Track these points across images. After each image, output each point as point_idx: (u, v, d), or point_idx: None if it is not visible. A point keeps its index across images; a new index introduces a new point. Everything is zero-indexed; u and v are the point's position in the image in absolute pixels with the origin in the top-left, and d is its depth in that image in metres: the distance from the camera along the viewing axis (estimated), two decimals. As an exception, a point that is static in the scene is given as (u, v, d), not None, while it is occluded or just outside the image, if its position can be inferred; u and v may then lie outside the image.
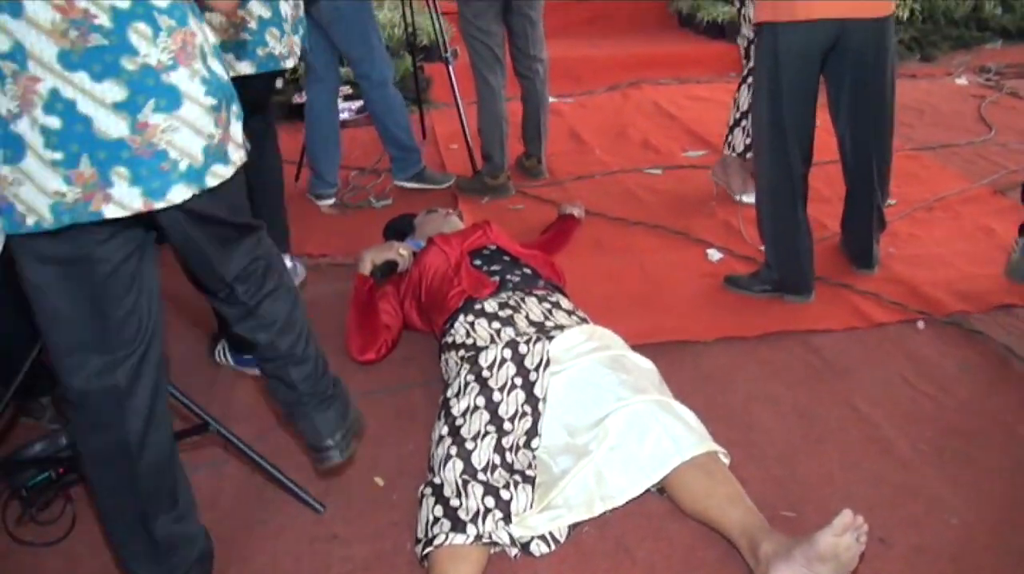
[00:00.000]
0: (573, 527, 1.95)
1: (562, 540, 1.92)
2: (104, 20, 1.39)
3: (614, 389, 2.07)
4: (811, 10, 2.56)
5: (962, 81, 5.50)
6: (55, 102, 1.38)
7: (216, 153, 1.53)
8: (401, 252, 2.79)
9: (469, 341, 2.32)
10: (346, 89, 5.01)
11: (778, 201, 2.80)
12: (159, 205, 1.47)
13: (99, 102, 1.40)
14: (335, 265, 3.31)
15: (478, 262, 2.63)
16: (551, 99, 5.07)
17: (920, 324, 2.74)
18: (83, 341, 1.55)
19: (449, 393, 2.15)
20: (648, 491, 1.98)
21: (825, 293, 2.91)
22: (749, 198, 3.71)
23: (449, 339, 2.39)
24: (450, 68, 4.23)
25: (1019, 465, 2.12)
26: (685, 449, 1.93)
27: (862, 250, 3.03)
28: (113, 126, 1.41)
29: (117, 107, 1.41)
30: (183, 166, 1.48)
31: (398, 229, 3.17)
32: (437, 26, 4.33)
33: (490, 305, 2.39)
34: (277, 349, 1.83)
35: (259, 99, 2.53)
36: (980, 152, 4.19)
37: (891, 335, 2.69)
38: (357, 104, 5.05)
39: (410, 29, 4.52)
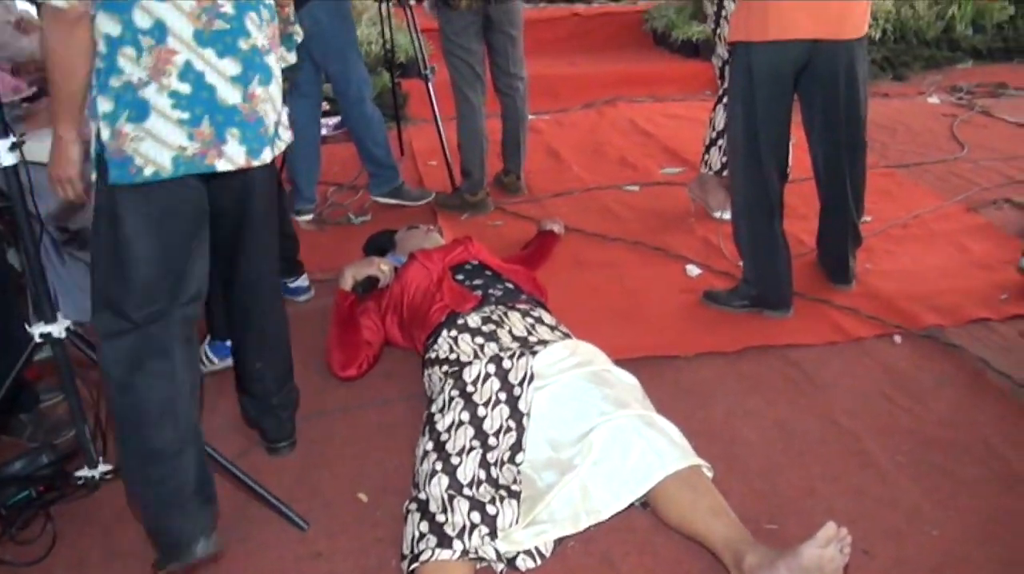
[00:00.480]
0: (558, 542, 1.97)
1: (548, 555, 1.94)
2: (228, 8, 1.78)
3: (597, 404, 2.09)
4: (783, 31, 2.62)
5: (934, 100, 5.61)
6: (188, 72, 1.73)
7: (280, 126, 1.95)
8: (382, 268, 2.80)
9: (452, 356, 2.33)
10: (324, 105, 5.02)
11: (755, 217, 2.84)
12: (256, 162, 1.86)
13: (221, 74, 1.77)
14: (314, 281, 3.31)
15: (460, 277, 2.65)
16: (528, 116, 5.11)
17: (897, 338, 2.79)
18: (158, 282, 1.81)
19: (433, 408, 2.16)
20: (632, 505, 2.00)
21: (803, 308, 2.95)
22: (727, 215, 3.76)
23: (432, 354, 2.40)
24: (429, 85, 4.26)
25: (996, 477, 2.16)
26: (669, 463, 1.96)
27: (838, 265, 3.08)
28: (230, 95, 1.79)
29: (234, 80, 1.79)
30: (269, 132, 1.88)
31: (379, 245, 3.18)
32: (417, 43, 4.36)
33: (473, 320, 2.41)
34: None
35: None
36: (953, 170, 4.27)
37: (869, 349, 2.74)
38: (335, 120, 5.07)
39: (388, 46, 4.54)
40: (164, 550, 1.87)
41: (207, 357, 2.76)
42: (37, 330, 1.96)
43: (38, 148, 2.72)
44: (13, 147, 1.86)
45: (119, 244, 1.78)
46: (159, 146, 1.73)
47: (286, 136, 1.99)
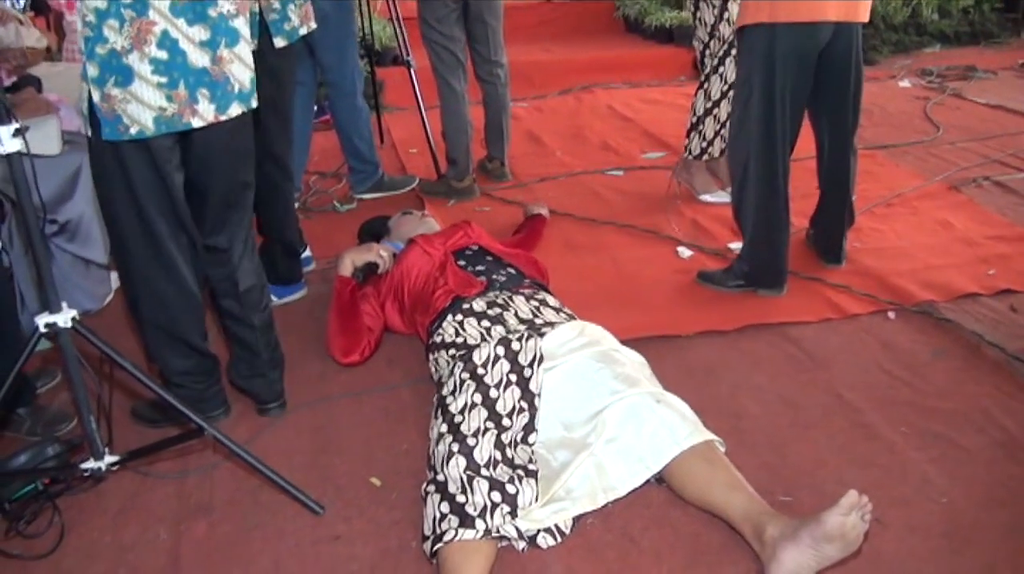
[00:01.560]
0: (577, 519, 1.98)
1: (567, 532, 1.95)
2: None
3: (608, 383, 2.10)
4: (813, 12, 2.63)
5: (905, 84, 5.70)
6: (165, 40, 1.93)
7: (249, 85, 2.12)
8: (381, 254, 2.79)
9: (459, 340, 2.33)
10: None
11: (764, 200, 2.85)
12: (223, 117, 2.07)
13: (191, 40, 1.97)
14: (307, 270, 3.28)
15: (462, 262, 2.64)
16: (508, 103, 5.10)
17: (891, 314, 2.84)
18: (166, 209, 2.13)
19: (445, 391, 2.16)
20: (648, 482, 2.02)
21: (797, 287, 2.99)
22: (712, 197, 3.80)
23: (438, 339, 2.40)
24: (412, 72, 4.24)
25: (998, 445, 2.22)
26: (682, 439, 1.98)
27: (832, 245, 3.13)
28: (200, 58, 1.99)
29: (202, 44, 1.99)
30: (238, 89, 2.09)
31: (373, 231, 3.17)
32: (399, 31, 4.34)
33: (478, 304, 2.41)
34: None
35: (287, 70, 2.81)
36: (930, 151, 4.36)
37: (864, 325, 2.79)
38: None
39: (367, 33, 4.51)
40: None
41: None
42: (42, 320, 1.92)
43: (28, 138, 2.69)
44: (16, 133, 1.82)
45: (129, 186, 2.05)
46: (142, 108, 1.96)
47: (253, 98, 2.17)
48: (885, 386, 2.47)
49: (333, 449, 2.31)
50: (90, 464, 2.05)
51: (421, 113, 4.23)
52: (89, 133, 2.02)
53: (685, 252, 3.34)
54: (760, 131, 2.77)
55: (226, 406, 2.45)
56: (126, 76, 1.93)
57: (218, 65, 2.03)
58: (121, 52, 1.91)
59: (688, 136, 3.80)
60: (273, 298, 3.02)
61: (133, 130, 1.97)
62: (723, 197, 3.73)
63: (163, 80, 1.95)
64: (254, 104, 2.16)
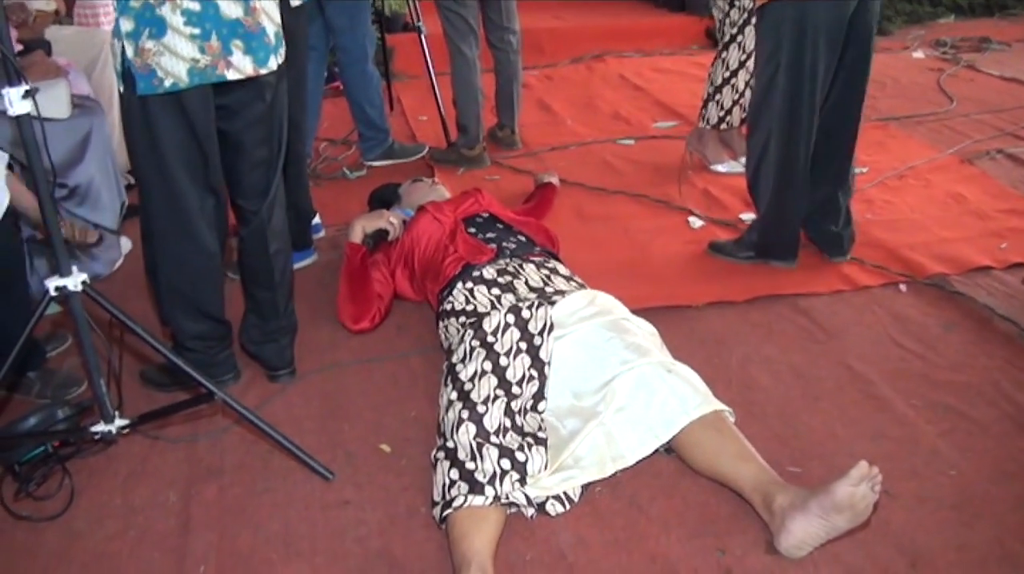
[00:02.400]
0: (586, 487, 1.97)
1: (576, 500, 1.95)
2: None
3: (619, 352, 2.09)
4: None
5: (919, 55, 5.62)
6: None
7: (279, 39, 2.13)
8: (392, 220, 2.77)
9: (469, 307, 2.32)
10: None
11: (785, 173, 2.77)
12: (263, 71, 2.08)
13: None
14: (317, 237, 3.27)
15: (472, 230, 2.62)
16: (518, 70, 5.04)
17: (902, 286, 2.82)
18: (195, 169, 2.12)
19: (454, 358, 2.14)
20: (657, 451, 2.01)
21: (808, 259, 2.96)
22: (724, 167, 3.76)
23: (447, 306, 2.39)
24: (423, 38, 4.19)
25: (1008, 417, 2.20)
26: (692, 409, 1.96)
27: (833, 237, 3.00)
28: (232, 9, 1.99)
29: None
30: (272, 42, 2.09)
31: (383, 198, 3.15)
32: (411, -4, 4.29)
33: (489, 272, 2.39)
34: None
35: (301, 31, 2.82)
36: (944, 123, 4.30)
37: (876, 297, 2.76)
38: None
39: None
40: None
41: None
42: (52, 283, 1.91)
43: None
44: (26, 95, 1.80)
45: (154, 145, 2.05)
46: (176, 59, 1.96)
47: (283, 50, 2.17)
48: (896, 358, 2.45)
49: (343, 415, 2.30)
50: (100, 427, 2.04)
51: (432, 80, 4.19)
52: (123, 90, 2.01)
53: (696, 222, 3.31)
54: (785, 108, 2.69)
55: (236, 371, 2.45)
56: (160, 28, 1.93)
57: (252, 16, 2.02)
58: (155, 3, 1.91)
59: (705, 106, 3.75)
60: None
61: (167, 82, 1.97)
62: (735, 167, 3.69)
63: (196, 31, 1.96)
64: (280, 59, 2.15)
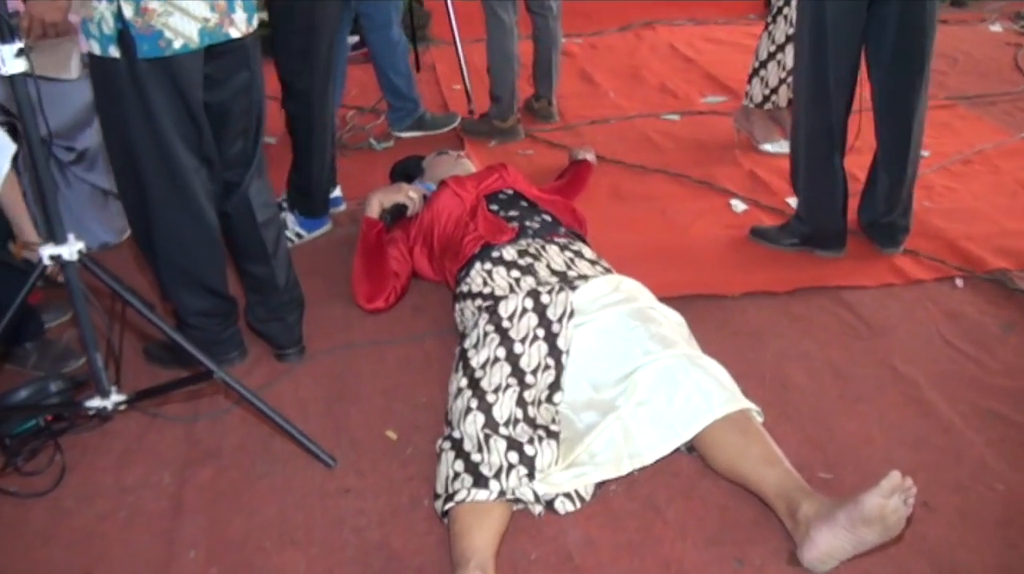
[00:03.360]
0: (599, 486, 1.95)
1: (588, 498, 1.92)
2: None
3: (642, 342, 2.05)
4: None
5: (996, 28, 5.45)
6: None
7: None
8: (411, 195, 2.74)
9: (487, 290, 2.29)
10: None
11: (815, 150, 2.74)
12: (252, 28, 2.14)
13: None
14: (336, 210, 3.27)
15: (494, 207, 2.59)
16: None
17: (959, 281, 2.73)
18: (189, 139, 2.12)
19: (467, 344, 2.12)
20: (678, 450, 1.97)
21: (858, 248, 2.88)
22: (773, 147, 3.68)
23: (464, 288, 2.36)
24: (449, 2, 4.16)
25: (1067, 430, 2.12)
26: (717, 406, 1.92)
27: (885, 229, 2.91)
28: None
29: None
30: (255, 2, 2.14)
31: (406, 171, 3.13)
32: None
33: (508, 252, 2.36)
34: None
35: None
36: (1018, 103, 4.16)
37: (928, 292, 2.68)
38: (353, 39, 4.96)
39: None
40: None
41: (296, 233, 3.06)
42: (46, 252, 1.91)
43: (40, 61, 2.68)
44: (20, 53, 1.80)
45: (148, 114, 2.03)
46: (187, 19, 1.97)
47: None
48: (946, 360, 2.38)
49: (350, 399, 2.30)
50: (95, 402, 2.06)
51: (456, 46, 4.17)
52: (118, 54, 1.96)
53: (739, 206, 3.24)
54: (809, 75, 2.62)
55: (242, 349, 2.45)
56: None
57: None
58: None
59: (749, 82, 3.68)
60: (303, 233, 3.03)
61: (177, 44, 1.97)
62: (786, 147, 3.60)
63: None
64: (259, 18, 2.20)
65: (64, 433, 2.14)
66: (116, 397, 2.08)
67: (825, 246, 2.85)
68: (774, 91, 3.59)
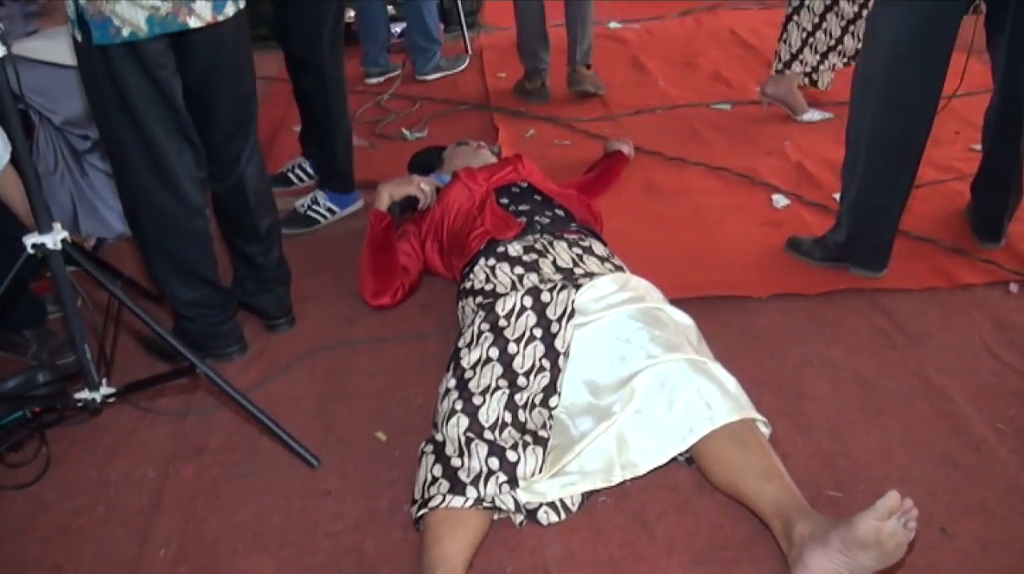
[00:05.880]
0: (588, 496, 1.91)
1: (574, 509, 1.88)
2: None
3: (645, 346, 2.00)
4: None
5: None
6: None
7: None
8: (423, 187, 2.73)
9: (488, 287, 2.27)
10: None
11: (879, 157, 2.49)
12: (220, 17, 2.11)
13: None
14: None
15: (505, 200, 2.57)
16: (614, 24, 5.00)
17: (1013, 287, 2.60)
18: (167, 122, 2.14)
19: (461, 343, 2.10)
20: (675, 460, 1.92)
21: (905, 247, 2.75)
22: (812, 115, 3.63)
23: (467, 284, 2.35)
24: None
25: (1112, 453, 2.01)
26: (718, 415, 1.86)
27: (988, 220, 2.79)
28: None
29: None
30: None
31: (425, 162, 3.13)
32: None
33: (514, 248, 2.34)
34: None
35: None
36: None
37: (977, 298, 2.56)
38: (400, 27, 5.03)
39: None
40: None
41: (328, 208, 3.18)
42: (29, 241, 1.96)
43: (54, 47, 2.76)
44: (-2, 37, 1.84)
45: (122, 97, 2.06)
46: (134, 7, 1.97)
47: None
48: (988, 372, 2.27)
49: (343, 397, 2.30)
50: (84, 395, 2.10)
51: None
52: (80, 38, 2.03)
53: (781, 201, 3.15)
54: (889, 47, 2.33)
55: (242, 343, 2.48)
56: None
57: None
58: None
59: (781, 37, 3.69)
60: (335, 208, 3.20)
61: (125, 32, 1.98)
62: (826, 114, 3.56)
63: None
64: (240, 6, 2.18)
65: (54, 425, 2.20)
66: (104, 390, 2.12)
67: (862, 264, 2.66)
68: (814, 68, 3.55)
